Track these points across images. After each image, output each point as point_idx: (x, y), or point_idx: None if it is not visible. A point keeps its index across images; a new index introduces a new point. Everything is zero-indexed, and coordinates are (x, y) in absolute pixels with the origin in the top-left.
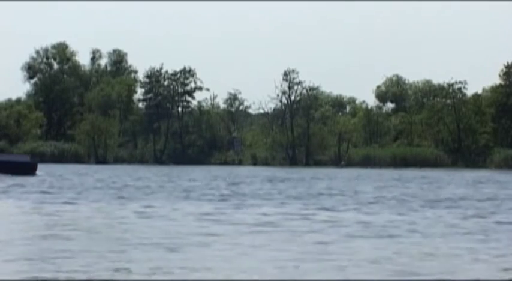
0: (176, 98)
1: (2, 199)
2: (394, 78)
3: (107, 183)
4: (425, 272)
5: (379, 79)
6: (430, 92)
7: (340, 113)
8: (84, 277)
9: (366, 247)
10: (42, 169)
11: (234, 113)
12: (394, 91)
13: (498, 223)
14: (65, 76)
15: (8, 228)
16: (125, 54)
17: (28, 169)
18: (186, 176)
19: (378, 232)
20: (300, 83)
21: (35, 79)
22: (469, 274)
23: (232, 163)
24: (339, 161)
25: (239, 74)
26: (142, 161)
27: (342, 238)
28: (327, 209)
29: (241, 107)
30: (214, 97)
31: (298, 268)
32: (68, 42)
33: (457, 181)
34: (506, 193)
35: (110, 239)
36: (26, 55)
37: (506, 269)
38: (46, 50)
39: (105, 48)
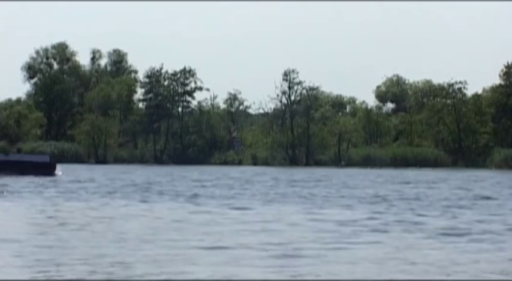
0: (176, 98)
1: (18, 200)
2: (394, 78)
3: (120, 182)
4: (421, 272)
5: (379, 79)
6: (430, 92)
7: (340, 113)
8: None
9: (360, 246)
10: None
11: (234, 113)
12: (394, 91)
13: (491, 223)
14: (65, 76)
15: (17, 228)
16: (125, 54)
17: (48, 169)
18: (190, 176)
19: (370, 231)
20: (300, 83)
21: (35, 79)
22: (466, 274)
23: (232, 163)
24: (339, 161)
25: (239, 74)
26: (142, 161)
27: (336, 237)
28: (317, 209)
29: (241, 107)
30: (214, 97)
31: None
32: (68, 42)
33: (456, 181)
34: (506, 192)
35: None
36: (26, 55)
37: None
38: (46, 50)
39: (105, 48)
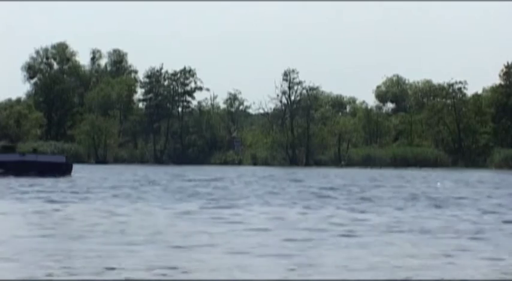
0: (176, 98)
1: (25, 201)
2: (394, 78)
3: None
4: (418, 272)
5: (379, 79)
6: (430, 92)
7: (340, 113)
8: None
9: (357, 246)
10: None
11: (234, 113)
12: (394, 91)
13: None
14: (65, 76)
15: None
16: (125, 54)
17: (64, 170)
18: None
19: (365, 231)
20: (300, 83)
21: (35, 79)
22: (464, 273)
23: (232, 163)
24: (339, 161)
25: (239, 74)
26: (142, 161)
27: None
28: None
29: (241, 107)
30: (214, 97)
31: None
32: (68, 42)
33: (454, 181)
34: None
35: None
36: (26, 55)
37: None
38: (46, 50)
39: (105, 48)
